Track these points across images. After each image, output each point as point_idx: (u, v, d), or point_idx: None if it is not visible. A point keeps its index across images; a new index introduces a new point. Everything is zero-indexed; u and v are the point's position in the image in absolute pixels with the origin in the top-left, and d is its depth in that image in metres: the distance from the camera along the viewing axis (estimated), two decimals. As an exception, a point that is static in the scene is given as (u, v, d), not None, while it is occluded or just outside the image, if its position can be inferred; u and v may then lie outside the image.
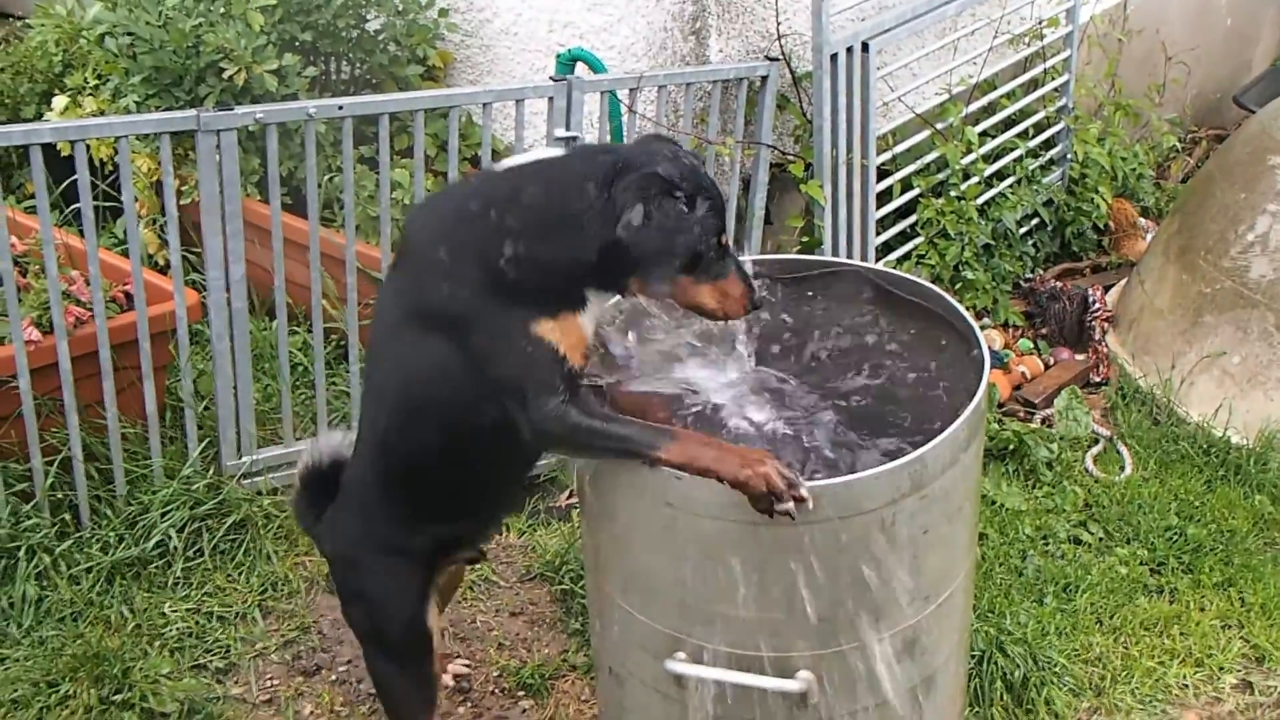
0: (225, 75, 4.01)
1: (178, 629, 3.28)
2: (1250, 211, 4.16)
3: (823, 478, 2.22)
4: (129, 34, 4.15)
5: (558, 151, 2.32)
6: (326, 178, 4.15)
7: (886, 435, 2.42)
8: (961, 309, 2.60)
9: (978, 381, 2.38)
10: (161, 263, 4.12)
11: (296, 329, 4.01)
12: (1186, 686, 3.35)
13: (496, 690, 3.27)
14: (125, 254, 3.37)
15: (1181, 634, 3.48)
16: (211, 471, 3.53)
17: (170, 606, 3.32)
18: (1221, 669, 3.39)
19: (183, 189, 3.98)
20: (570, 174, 2.20)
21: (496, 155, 4.07)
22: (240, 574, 3.47)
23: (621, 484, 2.30)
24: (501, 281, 2.18)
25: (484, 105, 3.55)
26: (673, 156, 2.24)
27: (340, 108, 3.32)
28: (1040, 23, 4.83)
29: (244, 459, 3.54)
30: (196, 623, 3.31)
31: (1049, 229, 4.99)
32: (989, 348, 4.47)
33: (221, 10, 4.14)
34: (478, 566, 3.66)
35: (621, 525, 2.36)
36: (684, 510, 2.21)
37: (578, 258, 2.17)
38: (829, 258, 3.83)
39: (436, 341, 2.26)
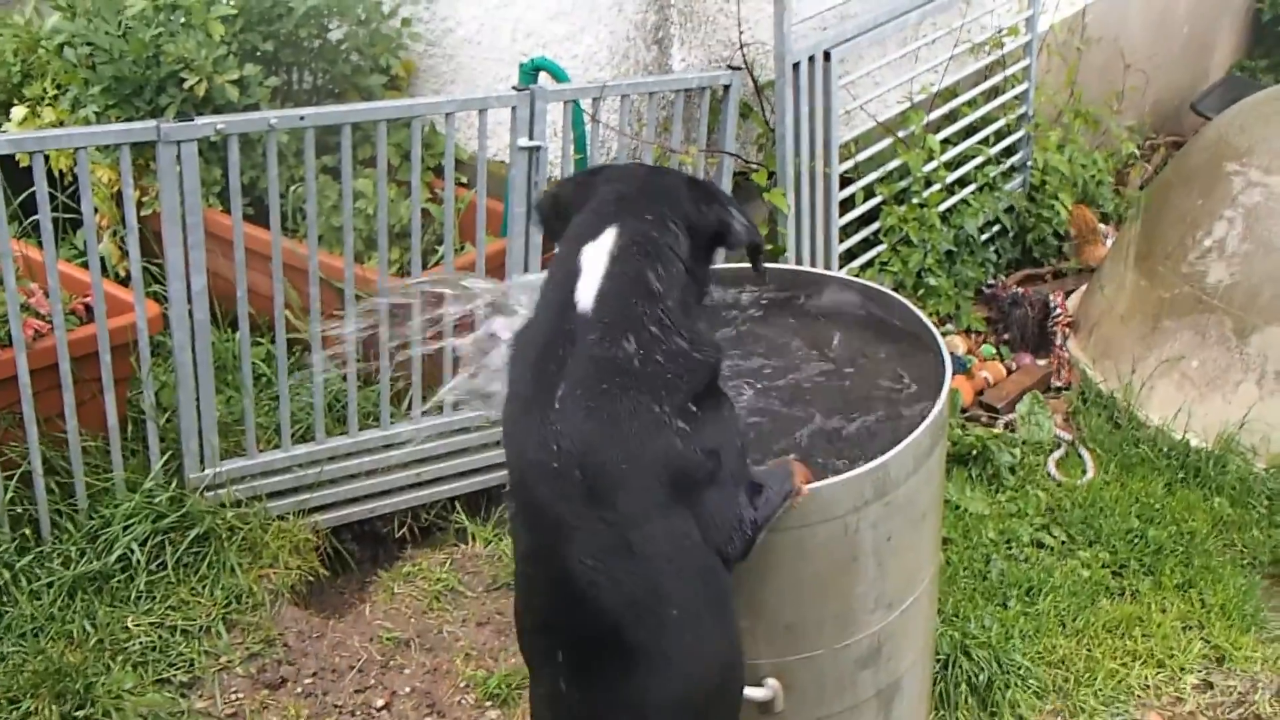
0: (186, 85, 3.99)
1: (141, 643, 3.25)
2: (1207, 218, 4.21)
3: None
4: (88, 44, 4.11)
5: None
6: (290, 188, 4.13)
7: (851, 443, 2.44)
8: (924, 316, 2.62)
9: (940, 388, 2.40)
10: (124, 274, 4.08)
11: (260, 340, 3.98)
12: (1149, 687, 3.38)
13: (464, 701, 3.27)
14: (86, 266, 3.34)
15: (1143, 635, 3.52)
16: (174, 484, 3.50)
17: (133, 621, 3.29)
18: (1183, 669, 3.43)
19: (144, 200, 3.95)
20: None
21: (460, 165, 4.07)
22: (204, 587, 3.44)
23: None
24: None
25: (447, 115, 3.55)
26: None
27: (302, 118, 3.30)
28: (1000, 31, 4.87)
29: (207, 471, 3.52)
30: (160, 637, 3.28)
31: (1011, 235, 5.03)
32: (952, 354, 4.54)
33: (182, 20, 4.11)
34: (443, 576, 3.67)
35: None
36: (649, 519, 2.21)
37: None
38: (795, 267, 3.85)
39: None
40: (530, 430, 1.97)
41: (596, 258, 2.00)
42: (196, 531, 3.46)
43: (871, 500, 2.21)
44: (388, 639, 3.44)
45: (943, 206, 4.66)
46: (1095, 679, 3.37)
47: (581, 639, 1.98)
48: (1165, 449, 4.17)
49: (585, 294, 1.97)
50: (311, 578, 3.61)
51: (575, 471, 1.92)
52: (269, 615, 3.43)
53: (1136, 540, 3.82)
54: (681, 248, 2.04)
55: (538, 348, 2.01)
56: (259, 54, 4.25)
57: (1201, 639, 3.52)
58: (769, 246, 4.14)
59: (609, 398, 1.93)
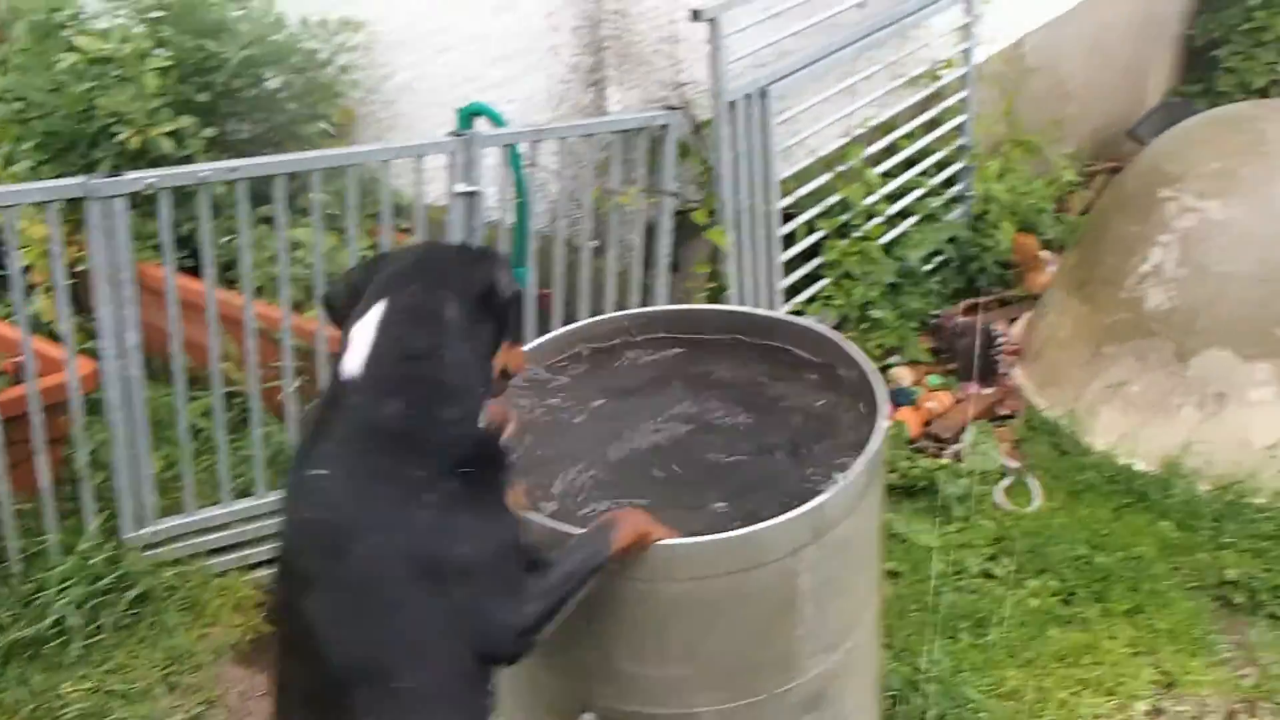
0: (120, 139, 3.96)
1: (78, 709, 3.18)
2: (1144, 243, 4.25)
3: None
4: (20, 99, 4.08)
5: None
6: (227, 239, 4.10)
7: (787, 484, 2.43)
8: (858, 354, 2.60)
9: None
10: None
11: (200, 394, 3.94)
12: (1100, 716, 3.37)
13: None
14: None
15: (1093, 663, 3.51)
16: (111, 544, 3.44)
17: (70, 686, 3.23)
18: (1133, 697, 3.42)
19: (80, 255, 3.90)
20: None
21: (401, 211, 4.05)
22: (143, 649, 3.38)
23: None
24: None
25: (382, 163, 3.53)
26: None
27: (234, 170, 3.28)
28: (937, 64, 4.92)
29: (145, 530, 3.47)
30: (98, 702, 3.22)
31: (954, 265, 5.06)
32: (899, 386, 4.56)
33: (116, 73, 4.09)
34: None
35: (523, 586, 2.34)
36: (583, 570, 2.19)
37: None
38: (733, 308, 3.85)
39: None
40: (293, 483, 2.05)
41: (365, 329, 2.04)
42: (134, 592, 3.41)
43: (808, 542, 2.20)
44: (333, 695, 3.38)
45: (885, 239, 4.69)
46: (1046, 710, 3.36)
47: (315, 697, 2.00)
48: (1111, 474, 4.18)
49: (352, 362, 2.02)
50: (255, 635, 3.55)
51: (322, 524, 1.97)
52: (210, 675, 3.37)
53: (1085, 567, 3.83)
54: (450, 309, 2.05)
55: (317, 413, 2.09)
56: (194, 105, 4.22)
57: (1151, 665, 3.52)
58: (711, 285, 4.15)
59: (363, 456, 1.98)
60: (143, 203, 3.86)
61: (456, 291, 2.08)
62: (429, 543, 1.96)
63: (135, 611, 3.42)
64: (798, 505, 2.17)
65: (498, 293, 2.11)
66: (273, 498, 3.62)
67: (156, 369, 3.72)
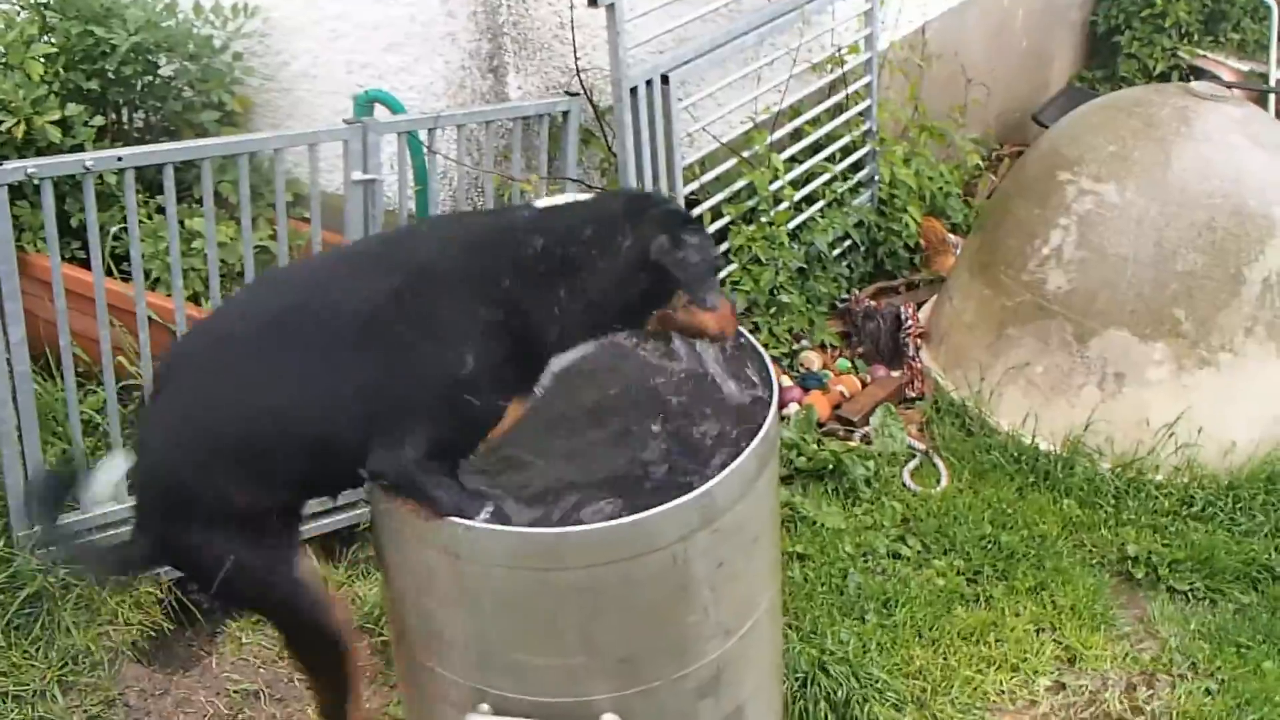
0: (4, 128, 3.84)
1: (-33, 715, 3.10)
2: (1044, 226, 4.30)
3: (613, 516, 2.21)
4: (-100, 88, 3.94)
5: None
6: (119, 227, 4.00)
7: (684, 470, 2.42)
8: (755, 342, 2.60)
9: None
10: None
11: (96, 388, 3.84)
12: (1004, 692, 3.42)
13: (315, 752, 3.17)
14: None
15: (997, 641, 3.56)
16: (2, 544, 3.35)
17: (-42, 691, 3.14)
18: (1036, 672, 3.48)
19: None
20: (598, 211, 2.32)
21: (299, 199, 3.99)
22: (37, 649, 3.29)
23: (410, 536, 2.25)
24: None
25: (275, 151, 3.47)
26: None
27: (120, 159, 3.20)
28: (840, 50, 4.94)
29: (36, 528, 3.37)
30: (-13, 706, 3.14)
31: (862, 249, 5.10)
32: (808, 369, 4.58)
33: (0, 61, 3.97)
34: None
35: (416, 578, 2.31)
36: (473, 561, 2.17)
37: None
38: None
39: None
40: None
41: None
42: (27, 591, 3.32)
43: (699, 528, 2.19)
44: (235, 692, 3.33)
45: (792, 224, 4.70)
46: (952, 687, 3.40)
47: None
48: (1016, 454, 4.24)
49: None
50: (155, 632, 3.48)
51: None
52: (108, 675, 3.29)
53: (990, 546, 3.88)
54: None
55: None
56: (84, 94, 4.11)
57: (1054, 641, 3.58)
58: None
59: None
60: (31, 193, 3.77)
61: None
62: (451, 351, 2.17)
63: (28, 612, 3.32)
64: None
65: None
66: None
67: (51, 363, 3.63)
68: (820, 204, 4.90)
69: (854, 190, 5.08)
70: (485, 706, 2.29)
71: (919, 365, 4.67)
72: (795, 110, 4.80)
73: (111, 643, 3.37)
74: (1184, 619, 3.66)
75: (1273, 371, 4.14)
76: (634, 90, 3.91)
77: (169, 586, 3.57)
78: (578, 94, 3.96)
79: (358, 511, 3.70)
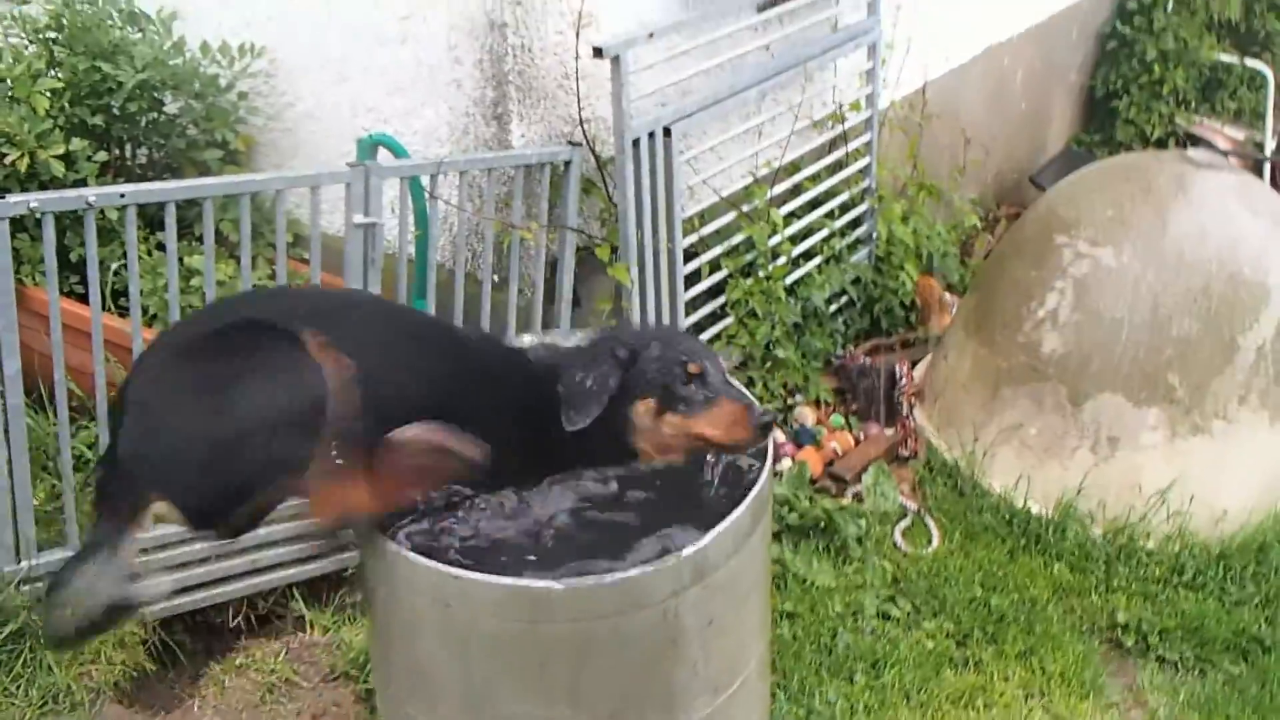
0: (8, 161, 3.85)
1: (-56, 751, 3.06)
2: (1040, 288, 4.32)
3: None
4: (-96, 118, 3.95)
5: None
6: (119, 262, 4.00)
7: (678, 526, 2.41)
8: (750, 397, 2.60)
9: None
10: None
11: (89, 423, 3.83)
12: (991, 758, 3.40)
13: (295, 799, 3.14)
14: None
15: (986, 705, 3.54)
16: (-14, 579, 3.32)
17: (-64, 727, 3.11)
18: (1024, 738, 3.46)
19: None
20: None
21: (299, 240, 3.99)
22: (18, 687, 3.26)
23: (400, 581, 2.23)
24: None
25: (277, 191, 3.48)
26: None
27: (122, 195, 3.20)
28: (841, 107, 4.98)
29: (22, 564, 3.34)
30: (-35, 743, 3.10)
31: (858, 306, 5.11)
32: (801, 425, 4.57)
33: (6, 94, 3.98)
34: (277, 666, 3.53)
35: (403, 626, 2.29)
36: (462, 609, 2.15)
37: None
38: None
39: None
40: None
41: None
42: (10, 628, 3.29)
43: (690, 584, 2.18)
44: (216, 736, 3.30)
45: (789, 279, 4.71)
46: (938, 751, 3.38)
47: None
48: (1007, 516, 4.23)
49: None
50: (137, 673, 3.45)
51: None
52: (89, 715, 3.26)
53: (980, 609, 3.86)
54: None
55: None
56: (88, 129, 4.13)
57: (1042, 707, 3.55)
58: (614, 321, 4.14)
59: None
60: (32, 226, 3.77)
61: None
62: None
63: (11, 648, 3.29)
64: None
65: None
66: (159, 531, 3.52)
67: (45, 398, 3.61)
68: (818, 260, 4.92)
69: (852, 247, 5.10)
70: (470, 758, 2.26)
71: (912, 424, 4.66)
72: (795, 165, 4.83)
73: (93, 682, 3.34)
74: (1173, 689, 3.64)
75: (1265, 440, 4.14)
76: (636, 142, 3.93)
77: (154, 627, 3.54)
78: (580, 144, 3.98)
79: (344, 556, 3.67)
